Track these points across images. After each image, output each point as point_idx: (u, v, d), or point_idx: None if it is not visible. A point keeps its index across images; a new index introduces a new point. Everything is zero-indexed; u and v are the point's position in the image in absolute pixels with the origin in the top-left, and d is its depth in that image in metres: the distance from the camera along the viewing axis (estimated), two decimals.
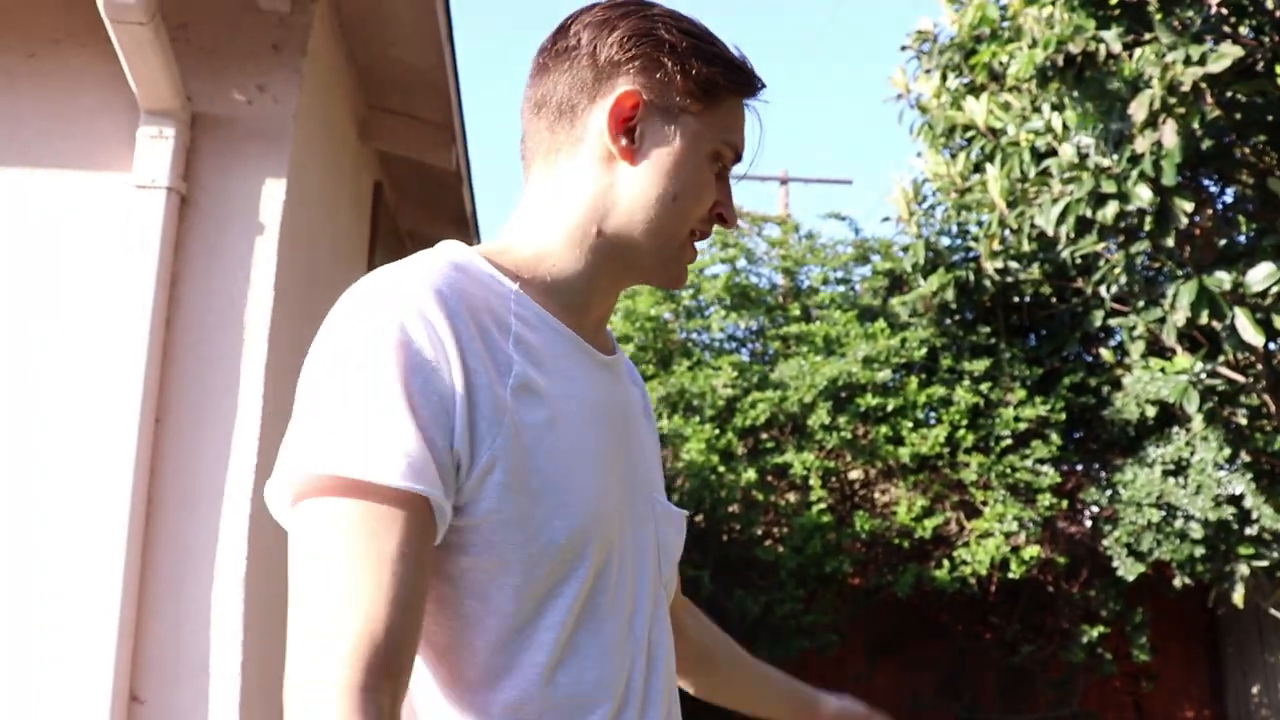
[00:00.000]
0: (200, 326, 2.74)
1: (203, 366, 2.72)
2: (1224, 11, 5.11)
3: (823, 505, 7.58)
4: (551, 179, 1.06)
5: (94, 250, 2.75)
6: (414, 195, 4.91)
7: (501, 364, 0.93)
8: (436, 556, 0.91)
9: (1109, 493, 7.21)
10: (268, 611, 2.81)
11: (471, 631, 0.93)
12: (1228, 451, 6.43)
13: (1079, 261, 6.44)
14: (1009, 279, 7.37)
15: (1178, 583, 7.01)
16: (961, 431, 7.59)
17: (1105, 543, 7.13)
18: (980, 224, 7.21)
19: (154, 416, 2.66)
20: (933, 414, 7.92)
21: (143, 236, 2.68)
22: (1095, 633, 7.56)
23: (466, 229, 5.19)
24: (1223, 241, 5.88)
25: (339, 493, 0.86)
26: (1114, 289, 6.07)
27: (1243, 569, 6.51)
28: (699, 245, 1.11)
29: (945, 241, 7.86)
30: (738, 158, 1.09)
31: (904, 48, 7.32)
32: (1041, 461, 7.54)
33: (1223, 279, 5.09)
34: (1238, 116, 5.48)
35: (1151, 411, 6.92)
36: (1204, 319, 5.16)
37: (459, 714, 0.93)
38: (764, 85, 1.10)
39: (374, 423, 0.86)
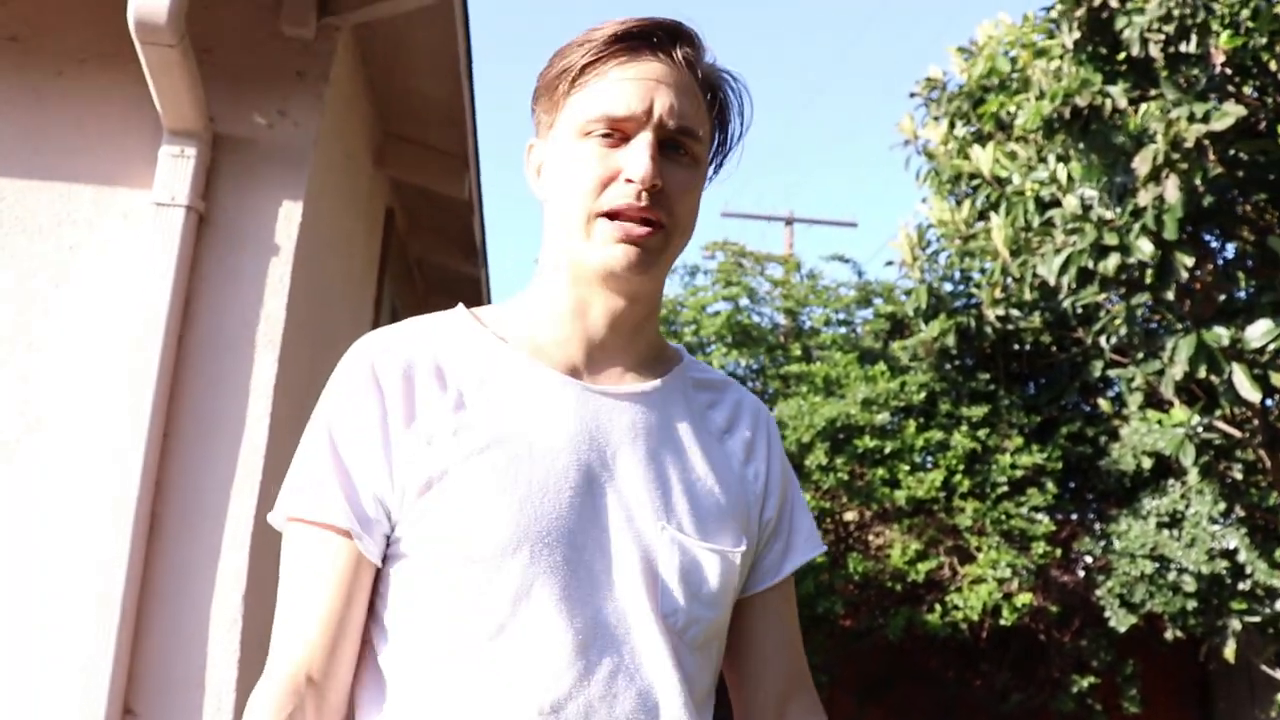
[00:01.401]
0: (212, 344, 2.77)
1: (213, 384, 2.75)
2: (1228, 71, 5.18)
3: None
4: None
5: (112, 265, 2.79)
6: (425, 223, 4.96)
7: (422, 412, 1.05)
8: (380, 572, 1.07)
9: (1103, 543, 7.22)
10: (267, 629, 2.82)
11: (400, 639, 1.04)
12: (1222, 505, 6.45)
13: (1080, 312, 6.49)
14: (1010, 327, 7.41)
15: (1169, 635, 7.01)
16: (958, 477, 7.61)
17: (1098, 593, 7.13)
18: (983, 271, 7.27)
19: (162, 431, 2.69)
20: (930, 458, 7.95)
21: (160, 253, 2.72)
22: (1086, 683, 7.55)
23: (475, 258, 5.23)
24: (1222, 297, 5.93)
25: (290, 526, 1.07)
26: (1114, 340, 6.11)
27: (1235, 624, 6.51)
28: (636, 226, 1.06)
29: (948, 287, 7.92)
30: (615, 119, 1.05)
31: (913, 94, 7.42)
32: (1037, 509, 7.56)
33: (1221, 334, 5.13)
34: (1240, 174, 5.55)
35: (1148, 463, 6.95)
36: (1202, 373, 5.20)
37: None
38: (630, 29, 1.06)
39: (307, 470, 1.06)
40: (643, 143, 1.04)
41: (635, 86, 1.05)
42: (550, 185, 1.11)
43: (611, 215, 1.05)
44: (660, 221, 1.06)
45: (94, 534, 2.61)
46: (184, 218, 2.74)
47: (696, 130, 1.09)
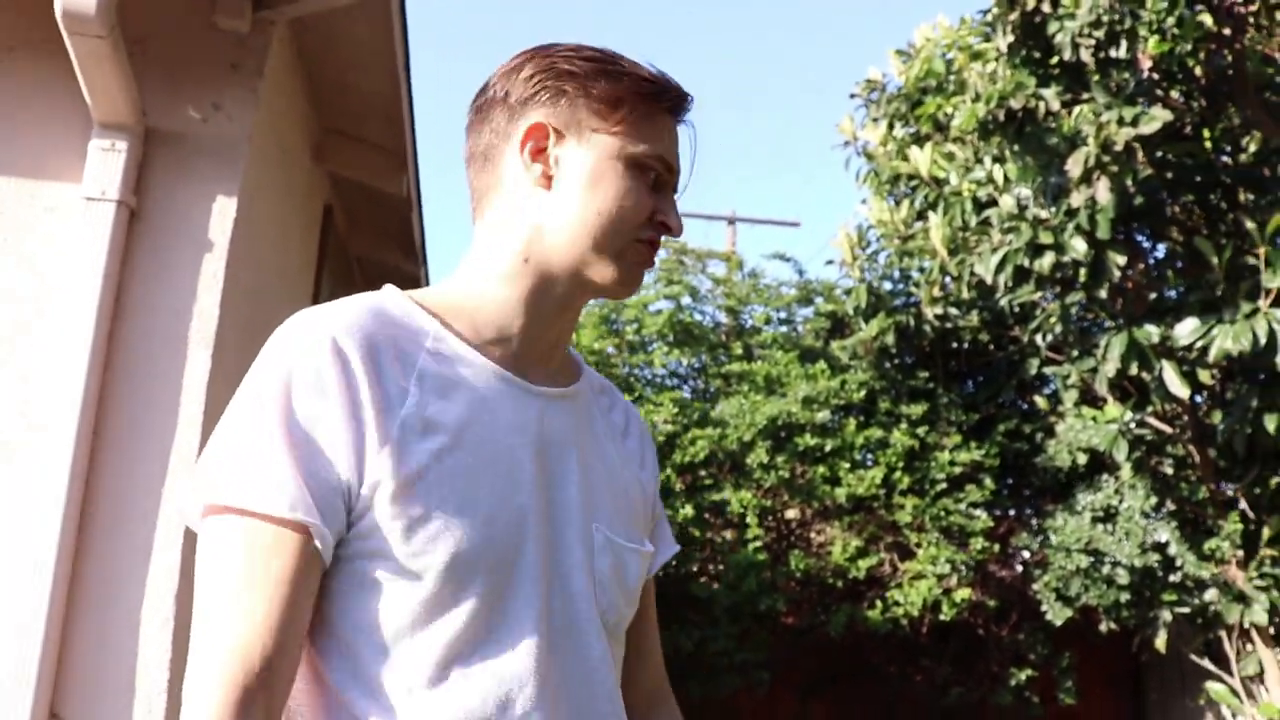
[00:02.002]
0: (144, 340, 2.73)
1: (145, 381, 2.71)
2: (1155, 76, 5.31)
3: (759, 543, 7.64)
4: (483, 223, 1.14)
5: (40, 260, 2.74)
6: (364, 220, 4.92)
7: (394, 397, 1.00)
8: (333, 570, 1.00)
9: (1040, 538, 7.34)
10: None
11: (359, 643, 0.99)
12: (1154, 500, 6.59)
13: (1016, 310, 6.60)
14: (948, 325, 7.52)
15: (1104, 628, 7.15)
16: (898, 474, 7.70)
17: (1035, 587, 7.25)
18: (922, 270, 7.36)
19: (92, 428, 2.64)
20: (870, 456, 8.03)
21: (90, 248, 2.67)
22: (1024, 676, 7.67)
23: (415, 256, 5.20)
24: (1153, 295, 6.06)
25: (230, 517, 0.96)
26: (1049, 338, 6.23)
27: (1166, 615, 6.65)
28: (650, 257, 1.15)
29: (887, 286, 8.00)
30: (668, 168, 1.13)
31: (853, 95, 7.50)
32: (975, 505, 7.67)
33: (1152, 332, 5.25)
34: (1168, 176, 5.68)
35: (1083, 459, 7.08)
36: (1134, 370, 5.31)
37: None
38: (683, 94, 1.14)
39: (257, 458, 0.96)
40: (674, 197, 1.15)
41: (677, 144, 1.15)
42: (577, 186, 1.10)
43: (641, 243, 1.12)
44: None
45: (22, 534, 2.56)
46: (115, 212, 2.70)
47: None
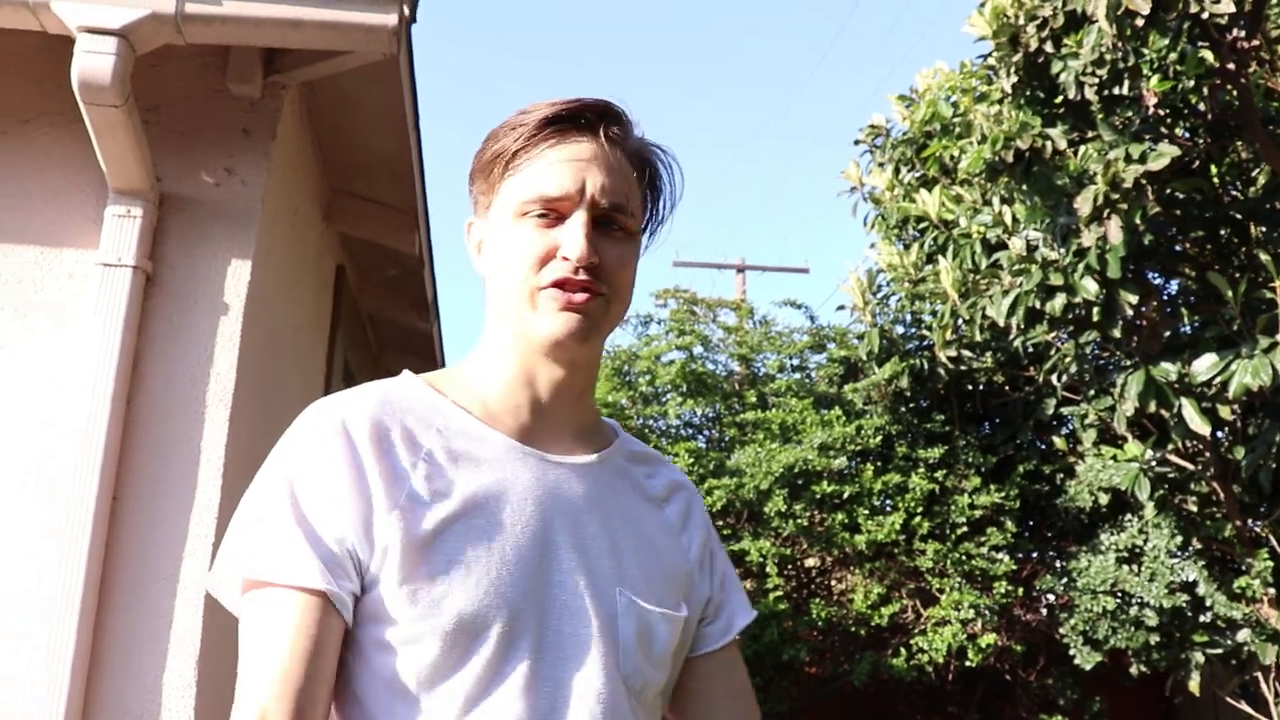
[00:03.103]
0: (162, 405, 2.73)
1: (163, 445, 2.71)
2: (1161, 113, 5.32)
3: (779, 593, 7.56)
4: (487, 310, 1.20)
5: (58, 327, 2.75)
6: (376, 279, 4.95)
7: (400, 472, 1.05)
8: (351, 631, 1.04)
9: (1064, 580, 7.25)
10: (222, 693, 2.76)
11: (370, 700, 1.03)
12: (1180, 538, 6.51)
13: (1030, 350, 6.58)
14: (962, 367, 7.49)
15: (1134, 671, 7.03)
16: (917, 519, 7.63)
17: (1062, 630, 7.15)
18: (934, 313, 7.35)
19: (111, 494, 2.64)
20: (888, 501, 7.97)
21: (107, 314, 2.69)
22: None
23: (427, 313, 5.22)
24: (1168, 332, 6.03)
25: (251, 590, 1.02)
26: (1065, 378, 6.19)
27: (1198, 656, 6.54)
28: (574, 294, 1.10)
29: (899, 330, 7.99)
30: (561, 198, 1.10)
31: (857, 142, 7.54)
32: (997, 549, 7.59)
33: (1169, 369, 5.21)
34: (1177, 212, 5.68)
35: (1104, 499, 7.01)
36: (1152, 408, 5.27)
37: None
38: (564, 114, 1.11)
39: (274, 534, 1.02)
40: (577, 222, 1.10)
41: (567, 168, 1.10)
42: (491, 263, 1.15)
43: (547, 288, 1.10)
44: (599, 290, 1.11)
45: (42, 600, 2.55)
46: (131, 278, 2.72)
47: (627, 205, 1.14)
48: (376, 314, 5.41)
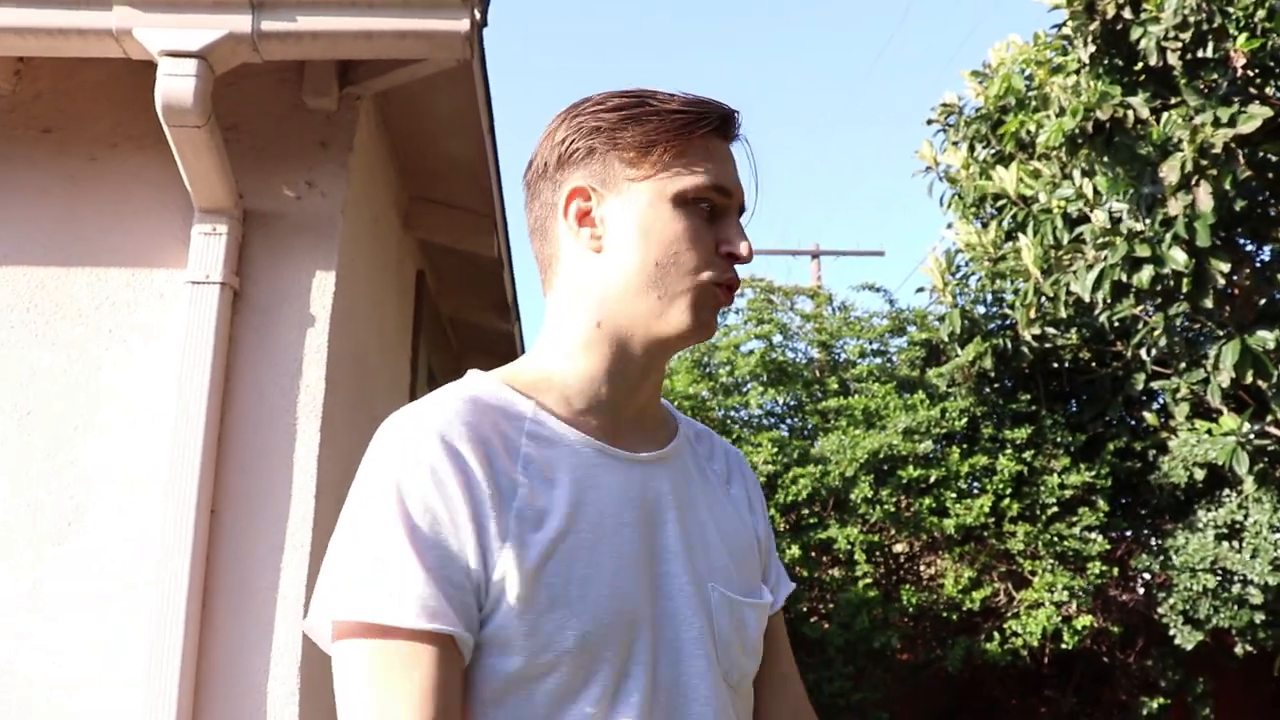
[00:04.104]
0: (254, 418, 2.78)
1: (256, 458, 2.76)
2: (1250, 73, 5.15)
3: (868, 580, 7.49)
4: (553, 294, 1.13)
5: (150, 345, 2.82)
6: (456, 282, 4.99)
7: (505, 490, 0.98)
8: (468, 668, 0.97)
9: (1161, 559, 7.08)
10: (323, 702, 2.80)
11: None
12: None
13: (1117, 325, 6.42)
14: (1047, 345, 7.34)
15: (1239, 650, 6.85)
16: (1006, 501, 7.50)
17: (1160, 610, 6.99)
18: (1016, 292, 7.21)
19: (209, 508, 2.69)
20: (976, 484, 7.84)
21: (197, 331, 2.74)
22: (1155, 704, 7.37)
23: (508, 315, 5.25)
24: (1262, 300, 5.84)
25: (366, 635, 0.93)
26: (1154, 352, 6.04)
27: None
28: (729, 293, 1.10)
29: (981, 310, 7.86)
30: (723, 193, 1.08)
31: (930, 121, 7.42)
32: (1089, 529, 7.43)
33: (1266, 338, 5.06)
34: (1270, 175, 5.49)
35: (1200, 474, 6.82)
36: (1249, 379, 5.12)
37: None
38: (724, 113, 1.10)
39: (385, 567, 0.93)
40: (739, 221, 1.10)
41: (731, 165, 1.11)
42: (625, 241, 1.07)
43: (711, 285, 1.08)
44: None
45: (145, 615, 2.61)
46: (219, 294, 2.77)
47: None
48: (457, 317, 5.46)
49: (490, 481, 0.98)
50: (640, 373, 1.10)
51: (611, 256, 1.08)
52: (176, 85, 2.49)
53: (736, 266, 1.09)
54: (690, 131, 1.07)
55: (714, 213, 1.08)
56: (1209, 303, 5.26)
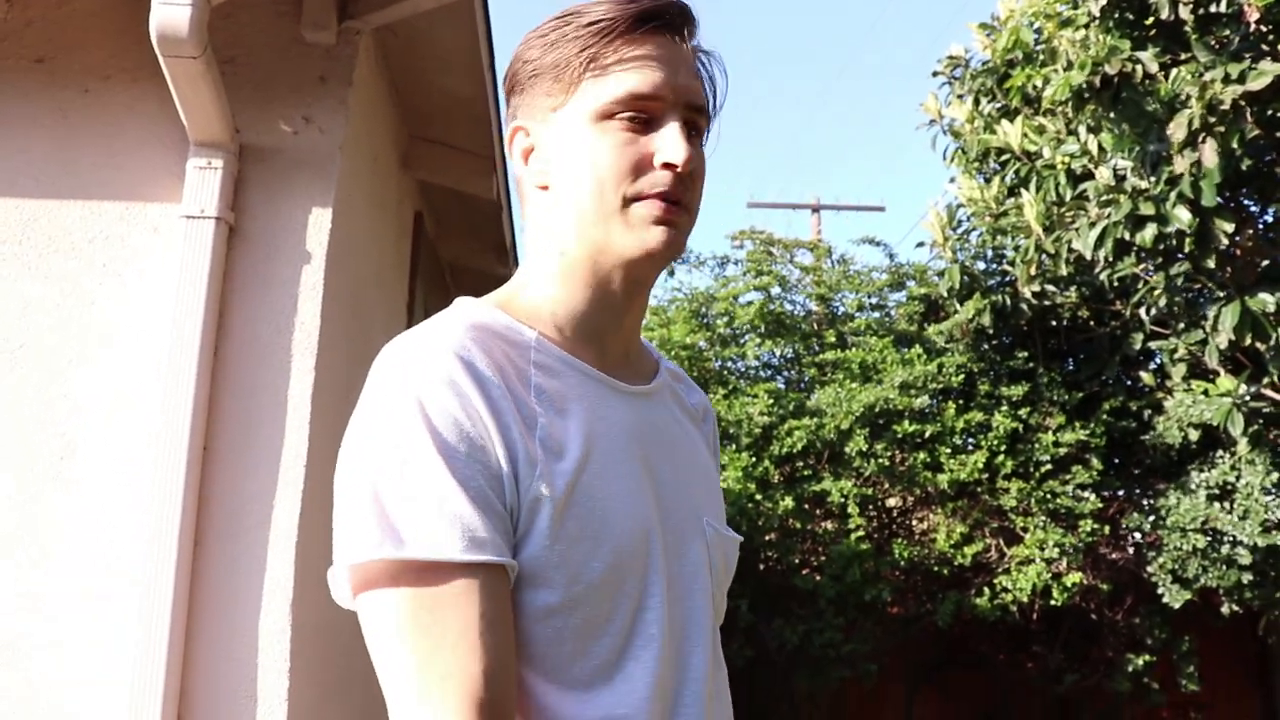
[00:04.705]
0: (248, 355, 2.76)
1: (250, 394, 2.74)
2: (1263, 29, 5.08)
3: (861, 533, 7.53)
4: (528, 228, 1.11)
5: (144, 280, 2.79)
6: (455, 224, 4.95)
7: (528, 417, 0.94)
8: None
9: (1152, 518, 7.11)
10: (314, 639, 2.81)
11: (523, 669, 0.93)
12: (1275, 476, 6.33)
13: (1117, 284, 6.39)
14: (1046, 303, 7.32)
15: (1226, 610, 6.90)
16: (1000, 457, 7.52)
17: (1150, 569, 7.03)
18: (1016, 248, 7.17)
19: (202, 444, 2.68)
20: (971, 440, 7.86)
21: (192, 266, 2.72)
22: (1141, 661, 7.45)
23: (506, 258, 5.22)
24: (1264, 262, 5.81)
25: (402, 576, 0.87)
26: (1153, 311, 6.02)
27: None
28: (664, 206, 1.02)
29: (981, 266, 7.83)
30: (646, 99, 1.01)
31: (936, 73, 7.34)
32: (1082, 487, 7.46)
33: (1266, 300, 5.04)
34: (1278, 135, 5.44)
35: (1194, 435, 6.83)
36: (1247, 340, 5.10)
37: None
38: (650, 9, 1.02)
39: (430, 502, 0.87)
40: (675, 125, 1.01)
41: (660, 66, 1.02)
42: (558, 171, 1.04)
43: (643, 199, 1.01)
44: (686, 203, 1.03)
45: (138, 551, 2.61)
46: (214, 229, 2.74)
47: (707, 110, 1.06)
48: (455, 260, 5.43)
49: (514, 405, 0.94)
50: (622, 300, 1.07)
51: (555, 191, 1.05)
52: (172, 14, 2.44)
53: (679, 175, 1.01)
54: (609, 37, 1.01)
55: (649, 123, 1.02)
56: (1211, 263, 5.24)
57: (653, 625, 0.98)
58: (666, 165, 1.00)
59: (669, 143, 1.00)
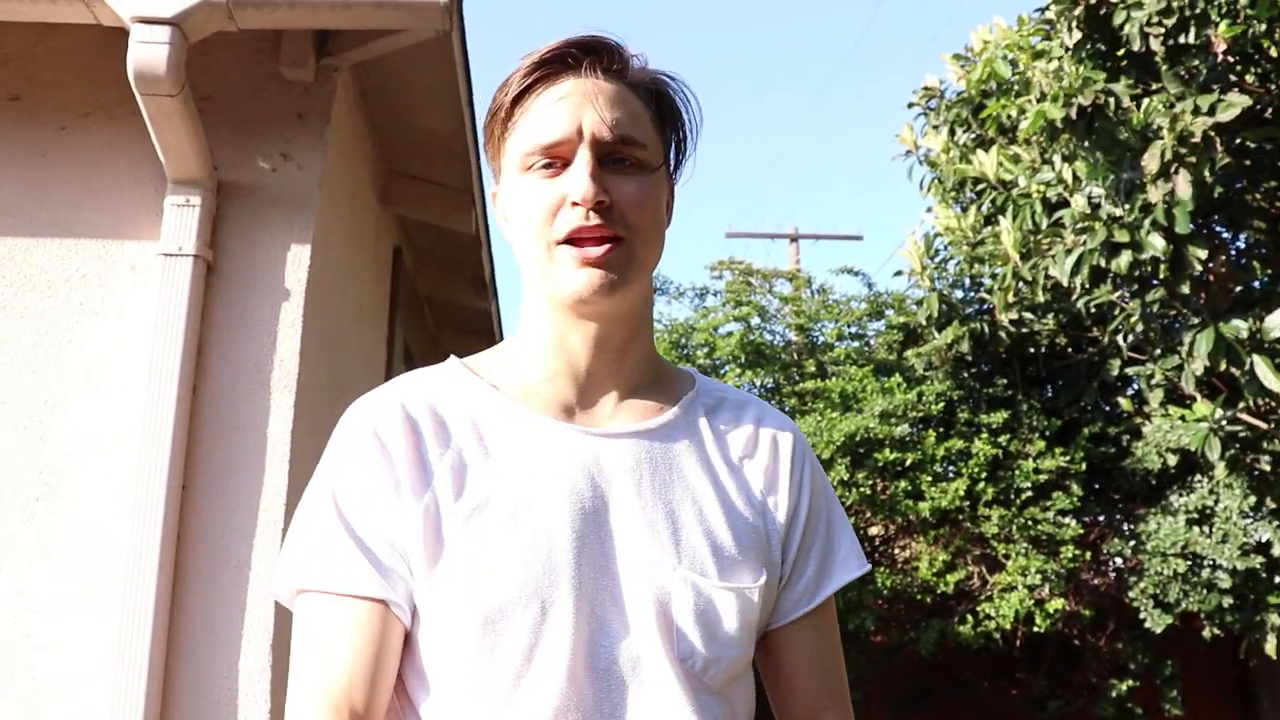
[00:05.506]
0: (227, 392, 2.75)
1: (230, 433, 2.72)
2: (1230, 60, 5.16)
3: None
4: None
5: (122, 318, 2.78)
6: (434, 259, 4.95)
7: (430, 467, 1.04)
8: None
9: (1133, 543, 7.14)
10: None
11: (414, 695, 1.03)
12: (1253, 499, 6.37)
13: (1094, 311, 6.44)
14: (1024, 330, 7.37)
15: (1207, 634, 6.92)
16: (981, 484, 7.54)
17: (1131, 594, 7.05)
18: (994, 276, 7.22)
19: (181, 483, 2.66)
20: (951, 467, 7.89)
21: (170, 304, 2.70)
22: (1125, 686, 7.45)
23: (485, 292, 5.22)
24: (1238, 288, 5.87)
25: (309, 598, 1.03)
26: (1130, 338, 6.06)
27: (1274, 618, 6.42)
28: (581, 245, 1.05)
29: (959, 294, 7.88)
30: (550, 147, 1.04)
31: (911, 104, 7.40)
32: (1063, 513, 7.48)
33: (1239, 326, 5.07)
34: (1248, 163, 5.51)
35: (1173, 460, 6.87)
36: (1222, 366, 5.14)
37: None
38: (551, 56, 1.06)
39: (325, 543, 1.03)
40: (581, 162, 1.04)
41: (560, 108, 1.05)
42: (511, 228, 1.11)
43: (569, 242, 1.04)
44: (618, 235, 1.04)
45: (116, 591, 2.58)
46: (192, 267, 2.73)
47: (635, 137, 1.06)
48: (434, 295, 5.42)
49: (412, 460, 1.04)
50: (583, 347, 1.09)
51: (515, 241, 1.11)
52: (149, 53, 2.45)
53: (601, 210, 1.03)
54: (526, 91, 1.06)
55: (563, 165, 1.05)
56: (1185, 289, 5.28)
57: (551, 668, 0.98)
58: (573, 204, 1.03)
59: (573, 181, 1.03)
